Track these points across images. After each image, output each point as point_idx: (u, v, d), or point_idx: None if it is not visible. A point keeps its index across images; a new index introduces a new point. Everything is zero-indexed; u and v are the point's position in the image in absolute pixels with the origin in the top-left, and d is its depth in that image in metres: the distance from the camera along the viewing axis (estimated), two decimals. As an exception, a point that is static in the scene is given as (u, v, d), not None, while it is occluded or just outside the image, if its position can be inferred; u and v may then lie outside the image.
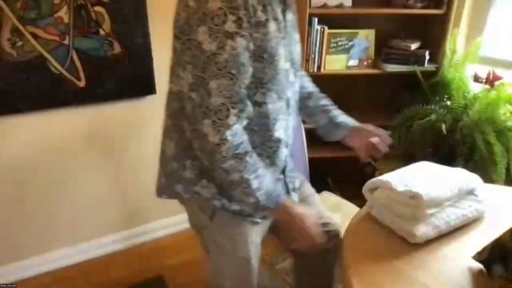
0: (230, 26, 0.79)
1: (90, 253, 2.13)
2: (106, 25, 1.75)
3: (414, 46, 2.29)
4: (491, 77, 2.02)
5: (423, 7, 2.21)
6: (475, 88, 2.11)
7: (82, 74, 1.76)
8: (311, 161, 1.92)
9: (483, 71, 2.07)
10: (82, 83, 1.78)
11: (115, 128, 1.98)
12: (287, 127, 1.07)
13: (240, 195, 0.94)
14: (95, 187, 2.04)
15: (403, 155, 1.58)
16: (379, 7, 2.25)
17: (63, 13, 1.65)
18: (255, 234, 1.12)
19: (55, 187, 1.93)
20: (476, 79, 2.09)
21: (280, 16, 0.91)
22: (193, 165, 1.01)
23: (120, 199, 2.14)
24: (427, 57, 2.27)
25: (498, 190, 1.35)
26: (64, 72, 1.72)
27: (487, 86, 2.01)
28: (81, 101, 1.81)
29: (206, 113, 0.84)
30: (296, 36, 1.06)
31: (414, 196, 1.01)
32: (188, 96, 0.88)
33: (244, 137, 0.90)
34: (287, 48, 0.96)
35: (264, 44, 0.86)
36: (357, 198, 1.73)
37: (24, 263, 1.97)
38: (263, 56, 0.87)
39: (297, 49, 1.06)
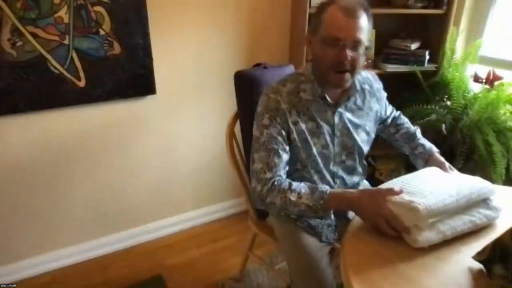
0: (265, 121, 1.25)
1: (90, 253, 2.13)
2: (106, 25, 1.75)
3: (414, 46, 2.29)
4: (491, 77, 2.02)
5: (423, 7, 2.21)
6: (475, 88, 2.11)
7: (82, 74, 1.76)
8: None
9: (483, 71, 2.08)
10: (82, 83, 1.78)
11: (115, 128, 1.98)
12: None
13: (293, 209, 1.18)
14: (94, 186, 2.03)
15: (403, 155, 1.59)
16: (379, 7, 2.25)
17: (63, 13, 1.65)
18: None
19: (55, 186, 1.93)
20: (476, 79, 2.09)
21: (325, 118, 1.30)
22: None
23: (119, 199, 2.14)
24: (427, 57, 2.26)
25: (498, 190, 1.34)
26: (64, 72, 1.72)
27: (487, 86, 2.01)
28: (81, 101, 1.81)
29: (252, 174, 1.26)
30: (357, 131, 1.37)
31: (412, 210, 0.99)
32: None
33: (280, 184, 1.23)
34: (338, 141, 1.33)
35: (297, 137, 1.27)
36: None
37: (24, 263, 1.97)
38: (297, 144, 1.28)
39: (354, 139, 1.36)
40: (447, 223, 1.02)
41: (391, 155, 2.47)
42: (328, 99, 1.27)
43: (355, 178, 1.44)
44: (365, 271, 0.93)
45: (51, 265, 2.04)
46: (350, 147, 1.36)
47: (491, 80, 2.01)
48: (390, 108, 1.54)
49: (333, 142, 1.32)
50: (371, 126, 1.40)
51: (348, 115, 1.33)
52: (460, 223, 1.04)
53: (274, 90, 1.27)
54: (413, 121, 1.63)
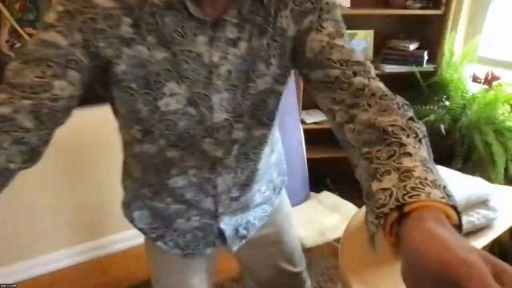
0: (51, 19, 0.61)
1: (89, 254, 2.13)
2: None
3: (412, 46, 2.29)
4: (489, 77, 2.02)
5: (421, 8, 2.21)
6: (474, 88, 2.11)
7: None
8: (310, 161, 1.93)
9: (481, 71, 2.08)
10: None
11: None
12: (201, 184, 0.83)
13: None
14: (95, 187, 2.03)
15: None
16: (378, 7, 2.25)
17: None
18: None
19: (54, 186, 1.93)
20: (475, 79, 2.09)
21: (192, 47, 0.67)
22: None
23: (119, 200, 2.13)
24: (426, 57, 2.27)
25: (497, 190, 1.35)
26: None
27: (486, 86, 2.02)
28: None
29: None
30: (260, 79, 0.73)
31: None
32: None
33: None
34: (220, 98, 0.72)
35: (129, 72, 0.66)
36: (356, 198, 1.73)
37: (24, 264, 1.97)
38: (130, 86, 0.67)
39: (255, 94, 0.74)
40: None
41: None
42: (194, 9, 0.64)
43: (259, 185, 0.92)
44: (364, 271, 0.93)
45: (51, 266, 2.03)
46: (247, 112, 0.76)
47: (489, 80, 2.02)
48: (340, 43, 0.68)
49: (210, 100, 0.71)
50: (284, 70, 0.75)
51: (242, 44, 0.70)
52: None
53: None
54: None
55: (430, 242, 0.37)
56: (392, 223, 0.44)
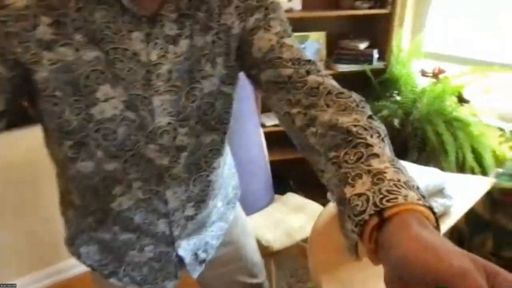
0: None
1: (47, 280, 2.03)
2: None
3: (362, 45, 2.36)
4: (436, 71, 2.12)
5: (369, 8, 2.29)
6: (423, 83, 2.21)
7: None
8: (271, 164, 1.94)
9: (428, 66, 2.18)
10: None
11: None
12: (150, 200, 0.75)
13: None
14: (39, 213, 1.94)
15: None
16: (328, 9, 2.31)
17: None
18: None
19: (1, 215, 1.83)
20: (423, 73, 2.19)
21: (128, 45, 0.61)
22: None
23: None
24: (376, 55, 2.35)
25: (450, 179, 1.41)
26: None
27: (433, 80, 2.12)
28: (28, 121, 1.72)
29: None
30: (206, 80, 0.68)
31: None
32: None
33: None
34: (160, 101, 0.65)
35: (51, 78, 0.59)
36: (321, 197, 1.75)
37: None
38: (54, 95, 0.60)
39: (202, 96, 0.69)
40: None
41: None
42: (128, 2, 0.59)
43: (215, 202, 0.87)
44: (333, 269, 0.94)
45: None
46: (194, 116, 0.70)
47: (436, 74, 2.12)
48: (287, 42, 0.67)
49: (151, 102, 0.65)
50: (230, 70, 0.71)
51: (183, 42, 0.65)
52: None
53: None
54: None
55: (418, 248, 0.35)
56: (372, 229, 0.41)
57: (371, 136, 0.50)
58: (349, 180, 0.46)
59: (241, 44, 0.68)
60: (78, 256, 0.84)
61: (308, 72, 0.61)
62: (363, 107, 0.57)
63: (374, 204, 0.41)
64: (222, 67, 0.69)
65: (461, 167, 1.95)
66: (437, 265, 0.33)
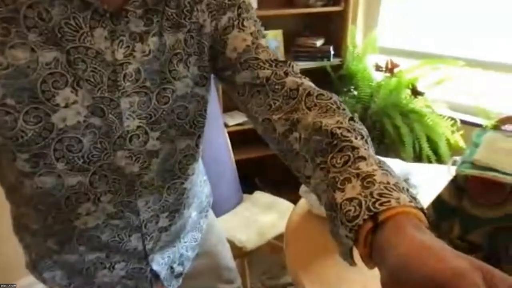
0: None
1: None
2: None
3: (319, 43, 2.41)
4: (389, 65, 2.21)
5: (323, 5, 2.34)
6: (378, 77, 2.29)
7: None
8: (237, 163, 1.93)
9: (383, 61, 2.26)
10: None
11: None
12: (121, 213, 0.70)
13: None
14: None
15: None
16: (284, 7, 2.33)
17: None
18: None
19: None
20: (377, 68, 2.27)
21: (92, 44, 0.56)
22: None
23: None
24: (332, 52, 2.40)
25: (412, 168, 1.47)
26: None
27: (388, 74, 2.20)
28: None
29: None
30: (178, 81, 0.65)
31: None
32: None
33: None
34: (127, 103, 0.61)
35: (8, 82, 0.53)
36: (288, 193, 1.77)
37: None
38: (3, 103, 0.54)
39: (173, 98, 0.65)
40: None
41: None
42: None
43: (190, 211, 0.85)
44: (311, 264, 0.94)
45: None
46: (166, 120, 0.66)
47: (390, 69, 2.20)
48: (261, 42, 0.65)
49: (118, 105, 0.61)
50: (203, 71, 0.68)
51: (152, 40, 0.61)
52: None
53: None
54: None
55: (417, 249, 0.36)
56: (367, 233, 0.41)
57: (356, 138, 0.50)
58: (338, 185, 0.45)
59: (214, 43, 0.66)
60: (43, 281, 0.78)
61: (286, 74, 0.60)
62: (344, 109, 0.56)
63: (368, 208, 0.41)
64: (196, 67, 0.66)
65: (418, 157, 2.05)
66: (436, 266, 0.34)
